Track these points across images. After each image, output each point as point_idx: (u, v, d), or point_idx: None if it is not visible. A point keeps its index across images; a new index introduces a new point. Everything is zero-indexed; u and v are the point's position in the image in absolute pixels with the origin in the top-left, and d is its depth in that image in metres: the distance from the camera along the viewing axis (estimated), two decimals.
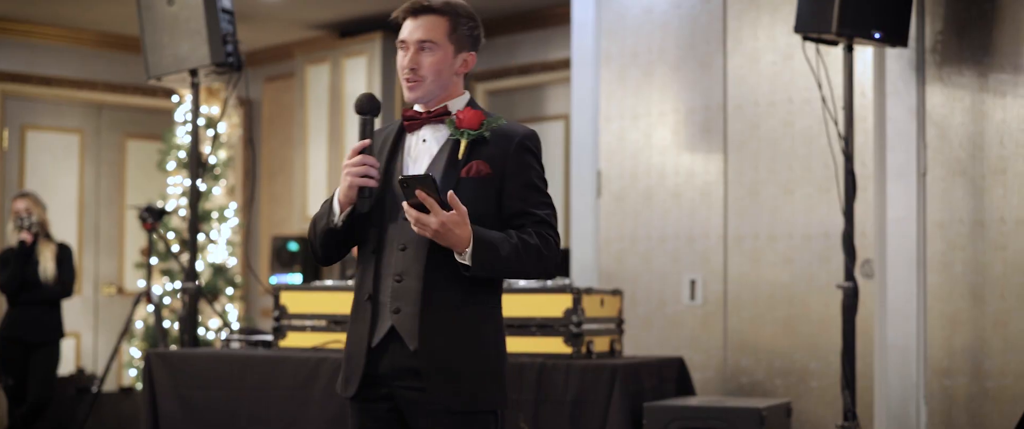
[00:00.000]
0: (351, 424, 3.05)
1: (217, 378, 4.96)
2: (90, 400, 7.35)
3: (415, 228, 2.85)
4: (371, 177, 2.93)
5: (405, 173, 2.97)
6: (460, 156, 2.95)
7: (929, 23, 5.42)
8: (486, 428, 2.95)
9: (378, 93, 8.90)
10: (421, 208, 2.83)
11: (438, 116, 3.01)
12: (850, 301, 5.04)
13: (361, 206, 2.95)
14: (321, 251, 3.06)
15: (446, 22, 2.99)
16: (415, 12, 2.99)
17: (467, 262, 2.85)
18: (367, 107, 3.00)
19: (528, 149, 3.00)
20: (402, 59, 3.00)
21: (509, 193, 2.96)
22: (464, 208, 2.83)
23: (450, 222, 2.81)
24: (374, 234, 3.00)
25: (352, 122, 9.07)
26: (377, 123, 3.11)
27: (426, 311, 2.90)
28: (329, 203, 3.01)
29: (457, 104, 3.02)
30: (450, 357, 2.90)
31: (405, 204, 2.85)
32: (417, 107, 3.05)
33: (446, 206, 2.82)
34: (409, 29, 2.99)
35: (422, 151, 3.01)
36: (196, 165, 5.65)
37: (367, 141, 2.96)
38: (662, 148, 6.23)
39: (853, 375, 5.03)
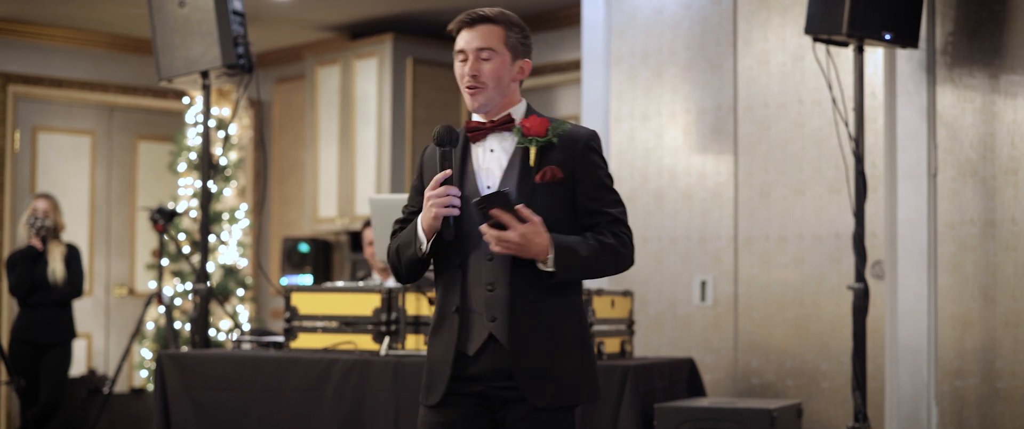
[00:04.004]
0: (429, 423, 3.11)
1: (228, 379, 4.97)
2: (101, 401, 7.37)
3: (495, 248, 2.97)
4: (454, 206, 3.02)
5: (480, 186, 3.08)
6: (532, 163, 3.06)
7: (939, 24, 5.41)
8: (569, 422, 3.10)
9: (387, 95, 8.91)
10: (498, 225, 2.95)
11: (502, 125, 3.11)
12: (861, 302, 5.04)
13: (447, 234, 3.05)
14: (407, 275, 3.18)
15: (501, 30, 3.10)
16: (471, 22, 3.10)
17: (550, 268, 2.98)
18: (446, 139, 3.07)
19: (594, 149, 3.12)
20: (461, 68, 3.11)
21: (581, 194, 3.08)
22: (538, 218, 2.96)
23: (529, 233, 2.95)
24: (457, 248, 3.09)
25: (362, 124, 9.08)
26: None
27: (516, 316, 3.02)
28: (413, 231, 3.10)
29: (519, 112, 3.14)
30: (541, 358, 3.03)
31: (483, 226, 2.97)
32: (477, 117, 3.15)
33: (521, 219, 2.94)
34: (467, 39, 3.10)
35: (491, 161, 3.11)
36: (207, 166, 5.66)
37: (449, 172, 3.04)
38: (673, 149, 6.23)
39: (864, 376, 5.03)
